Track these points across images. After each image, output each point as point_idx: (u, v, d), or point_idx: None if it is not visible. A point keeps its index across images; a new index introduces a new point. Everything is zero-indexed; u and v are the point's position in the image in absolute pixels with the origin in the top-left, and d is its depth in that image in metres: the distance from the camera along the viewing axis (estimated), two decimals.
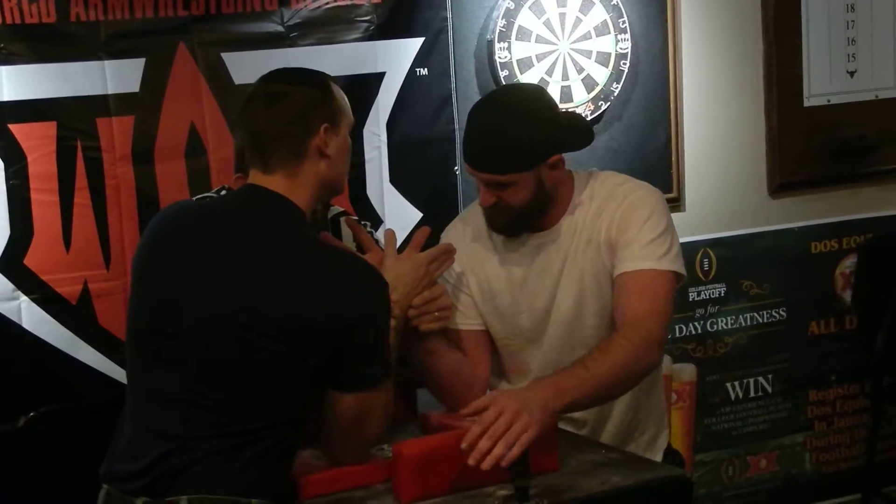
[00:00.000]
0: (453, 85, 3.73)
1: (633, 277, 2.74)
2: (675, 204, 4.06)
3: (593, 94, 3.88)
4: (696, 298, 4.20)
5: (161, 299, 2.47)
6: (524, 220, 2.84)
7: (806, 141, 4.32)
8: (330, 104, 2.54)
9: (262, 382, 2.38)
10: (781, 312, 4.35)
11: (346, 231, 3.06)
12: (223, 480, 2.35)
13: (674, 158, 4.09)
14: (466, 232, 2.98)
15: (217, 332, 2.39)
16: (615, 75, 3.91)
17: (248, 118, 2.53)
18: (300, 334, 2.37)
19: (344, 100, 2.58)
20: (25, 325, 3.28)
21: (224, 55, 3.44)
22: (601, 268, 2.81)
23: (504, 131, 2.73)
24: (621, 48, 3.90)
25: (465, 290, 2.94)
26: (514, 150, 2.73)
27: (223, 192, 3.06)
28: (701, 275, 4.19)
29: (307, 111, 2.50)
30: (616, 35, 3.89)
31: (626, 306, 2.72)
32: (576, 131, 2.88)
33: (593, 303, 2.84)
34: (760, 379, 4.34)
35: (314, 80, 2.58)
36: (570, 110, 3.20)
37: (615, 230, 2.79)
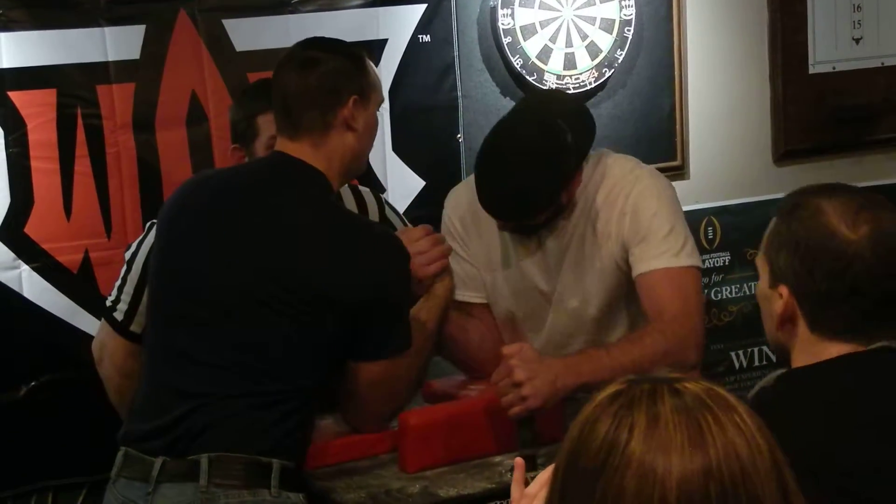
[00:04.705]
0: (456, 52, 3.69)
1: (659, 277, 2.66)
2: (679, 172, 4.04)
3: (597, 61, 3.85)
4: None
5: (187, 266, 2.48)
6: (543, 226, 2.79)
7: (811, 108, 4.28)
8: (362, 77, 2.54)
9: (285, 349, 2.39)
10: None
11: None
12: (245, 440, 2.37)
13: (678, 126, 4.05)
14: (472, 202, 2.88)
15: (242, 299, 2.40)
16: (619, 42, 3.87)
17: (280, 80, 2.54)
18: (323, 303, 2.38)
19: (377, 77, 2.58)
20: (26, 293, 3.26)
21: (225, 22, 3.40)
22: (607, 257, 2.75)
23: (521, 182, 2.63)
24: (625, 15, 3.87)
25: (470, 260, 2.90)
26: (536, 198, 2.65)
27: None
28: (705, 243, 4.16)
29: (339, 80, 2.50)
30: (620, 2, 3.85)
31: (659, 305, 2.64)
32: (584, 137, 2.77)
33: (597, 292, 2.78)
34: (765, 348, 4.29)
35: (350, 52, 2.59)
36: (569, 103, 3.06)
37: (627, 227, 2.71)
